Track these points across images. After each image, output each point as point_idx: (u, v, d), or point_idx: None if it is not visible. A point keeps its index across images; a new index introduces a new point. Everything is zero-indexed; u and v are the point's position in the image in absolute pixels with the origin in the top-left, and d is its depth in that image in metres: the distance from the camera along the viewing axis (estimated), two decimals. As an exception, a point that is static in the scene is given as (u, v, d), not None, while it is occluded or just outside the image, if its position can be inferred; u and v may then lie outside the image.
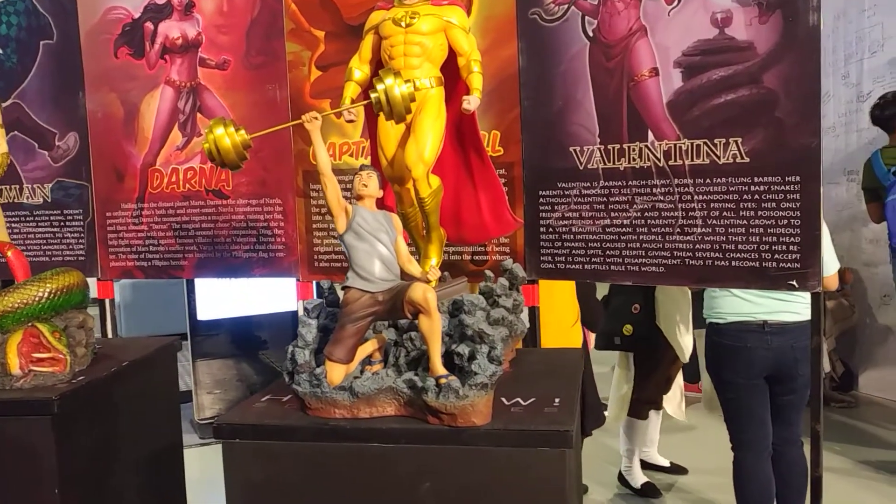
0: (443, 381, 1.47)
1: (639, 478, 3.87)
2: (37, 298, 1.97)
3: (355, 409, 1.55)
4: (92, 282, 2.91)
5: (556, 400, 1.57)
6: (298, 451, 1.57)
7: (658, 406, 3.92)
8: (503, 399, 1.59)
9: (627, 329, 3.70)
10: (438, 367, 1.51)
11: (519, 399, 1.60)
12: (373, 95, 1.64)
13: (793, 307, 2.91)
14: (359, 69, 1.85)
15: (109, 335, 3.20)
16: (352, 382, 1.55)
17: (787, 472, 3.06)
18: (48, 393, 1.84)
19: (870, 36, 5.17)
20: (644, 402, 3.81)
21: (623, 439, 3.89)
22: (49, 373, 1.92)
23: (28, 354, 1.91)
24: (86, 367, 2.04)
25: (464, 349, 1.51)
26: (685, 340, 3.72)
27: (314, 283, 2.98)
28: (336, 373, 1.57)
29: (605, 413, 3.79)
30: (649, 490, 3.83)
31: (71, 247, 3.18)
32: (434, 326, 1.51)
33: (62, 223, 3.18)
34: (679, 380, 4.01)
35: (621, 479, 3.94)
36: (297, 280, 2.97)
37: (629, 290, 3.72)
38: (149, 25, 2.97)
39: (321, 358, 1.61)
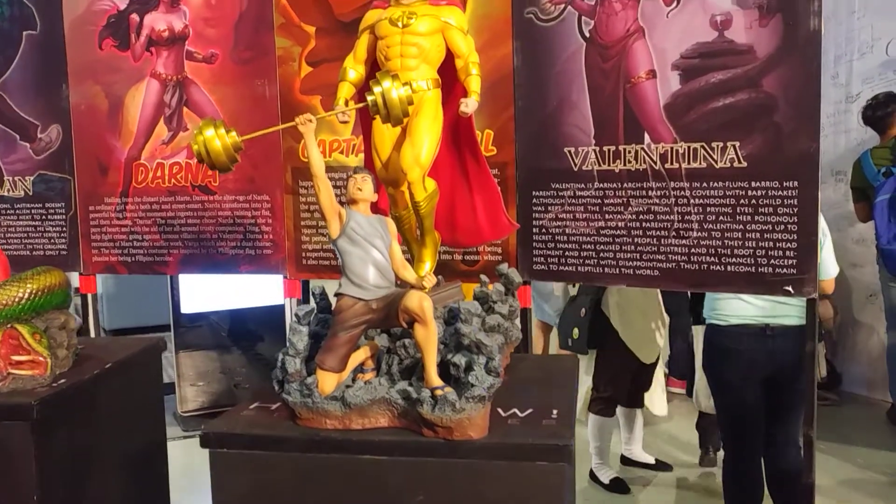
0: (438, 392, 1.43)
1: (608, 473, 3.87)
2: (16, 299, 1.90)
3: (347, 419, 1.51)
4: (74, 276, 2.87)
5: (554, 412, 1.53)
6: (288, 462, 1.53)
7: (632, 404, 3.93)
8: (499, 410, 1.55)
9: (575, 333, 3.73)
10: (434, 378, 1.47)
11: (516, 410, 1.56)
12: (369, 98, 1.59)
13: (793, 310, 2.89)
14: (353, 69, 1.80)
15: (91, 330, 3.14)
16: (344, 392, 1.51)
17: (783, 473, 3.04)
18: (27, 397, 1.78)
19: (859, 37, 5.17)
20: (605, 400, 3.81)
21: (590, 437, 3.89)
22: (29, 376, 1.86)
23: (7, 357, 1.85)
24: (67, 370, 1.98)
25: (460, 359, 1.47)
26: (649, 344, 3.74)
27: (301, 281, 2.94)
28: (327, 382, 1.53)
29: None
30: (618, 486, 3.83)
31: (53, 241, 3.12)
32: (430, 336, 1.47)
33: (44, 217, 3.11)
34: (660, 377, 4.03)
35: (592, 475, 3.94)
36: (285, 278, 2.92)
37: (583, 294, 3.74)
38: (134, 17, 2.90)
39: (312, 365, 1.57)
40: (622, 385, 3.83)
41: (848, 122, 5.25)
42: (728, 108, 2.26)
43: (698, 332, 3.46)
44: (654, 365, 3.90)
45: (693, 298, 3.61)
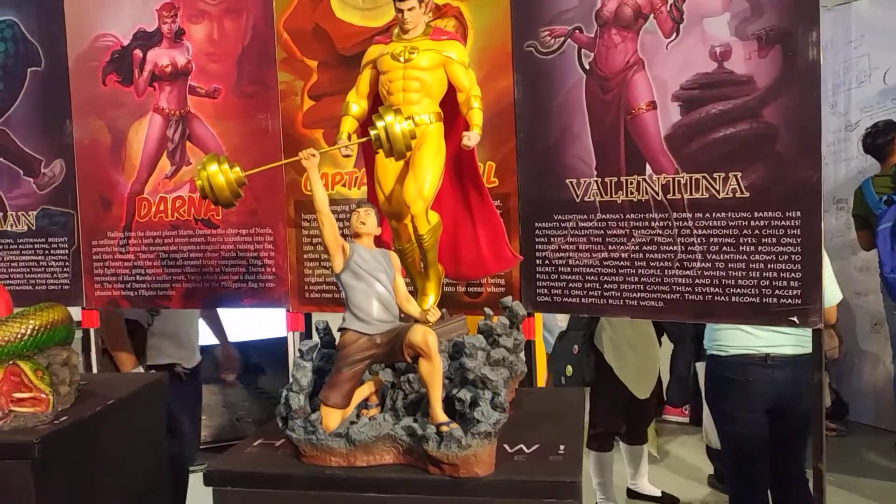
0: (444, 429, 1.42)
1: None
2: (19, 335, 1.89)
3: (352, 456, 1.50)
4: (76, 311, 2.86)
5: (561, 447, 1.52)
6: (292, 500, 1.51)
7: (635, 440, 3.90)
8: (506, 446, 1.54)
9: (568, 370, 3.70)
10: (439, 413, 1.45)
11: (522, 446, 1.54)
12: (372, 133, 1.60)
13: (795, 340, 2.88)
14: (356, 103, 1.81)
15: (94, 364, 3.12)
16: (348, 429, 1.49)
17: None
18: (28, 435, 1.76)
19: (857, 66, 5.22)
20: (601, 434, 3.77)
21: (591, 473, 3.84)
22: (30, 413, 1.85)
23: (8, 394, 1.84)
24: (69, 407, 1.97)
25: (465, 395, 1.46)
26: (644, 380, 3.72)
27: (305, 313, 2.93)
28: (332, 418, 1.51)
29: None
30: None
31: (55, 275, 3.11)
32: (435, 371, 1.46)
33: (47, 251, 3.11)
34: None
35: None
36: (288, 311, 2.91)
37: (573, 330, 3.72)
38: (138, 53, 2.92)
39: (316, 402, 1.56)
40: (619, 421, 3.80)
41: (848, 150, 5.28)
42: (729, 138, 2.26)
43: (701, 368, 3.44)
44: (652, 399, 3.86)
45: (695, 329, 3.59)
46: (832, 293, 2.97)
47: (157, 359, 3.34)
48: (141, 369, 3.28)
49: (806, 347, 2.87)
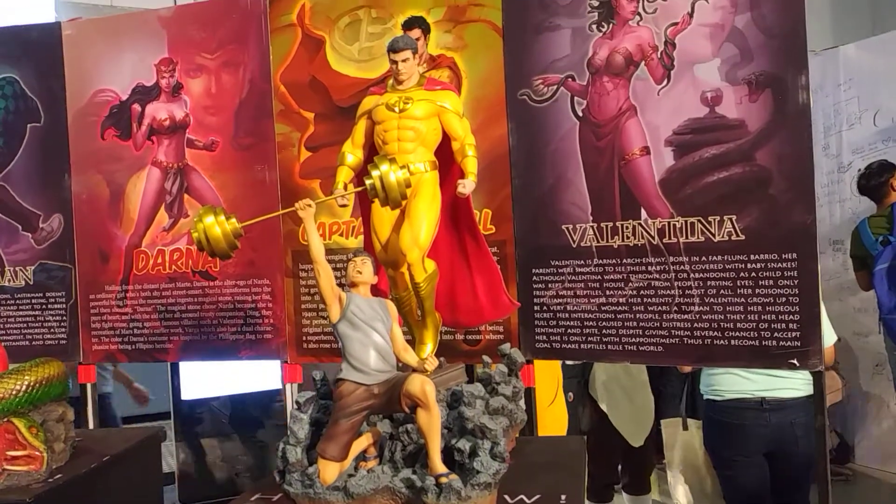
0: (443, 480, 1.40)
1: None
2: (13, 392, 1.88)
3: (350, 510, 1.47)
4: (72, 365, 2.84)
5: (563, 497, 1.49)
6: (290, 556, 1.48)
7: (639, 490, 3.83)
8: (507, 497, 1.51)
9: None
10: (438, 464, 1.43)
11: (523, 496, 1.52)
12: (367, 182, 1.62)
13: (791, 383, 2.87)
14: (352, 153, 1.83)
15: (90, 421, 3.08)
16: (346, 482, 1.47)
17: None
18: (22, 494, 1.74)
19: (847, 109, 5.27)
20: (600, 485, 3.70)
21: None
22: (24, 471, 1.82)
23: (2, 452, 1.82)
24: (64, 464, 1.94)
25: (464, 444, 1.44)
26: (637, 427, 3.66)
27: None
28: (329, 471, 1.49)
29: None
30: None
31: (52, 330, 3.09)
32: (433, 421, 1.44)
33: (44, 306, 3.09)
34: None
35: None
36: (284, 362, 2.89)
37: (566, 378, 3.68)
38: (136, 107, 2.96)
39: (313, 454, 1.54)
40: (617, 471, 3.74)
41: (842, 191, 5.30)
42: (723, 181, 2.28)
43: (667, 426, 3.42)
44: (649, 446, 3.80)
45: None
46: (826, 335, 2.95)
47: None
48: None
49: (802, 391, 2.85)
